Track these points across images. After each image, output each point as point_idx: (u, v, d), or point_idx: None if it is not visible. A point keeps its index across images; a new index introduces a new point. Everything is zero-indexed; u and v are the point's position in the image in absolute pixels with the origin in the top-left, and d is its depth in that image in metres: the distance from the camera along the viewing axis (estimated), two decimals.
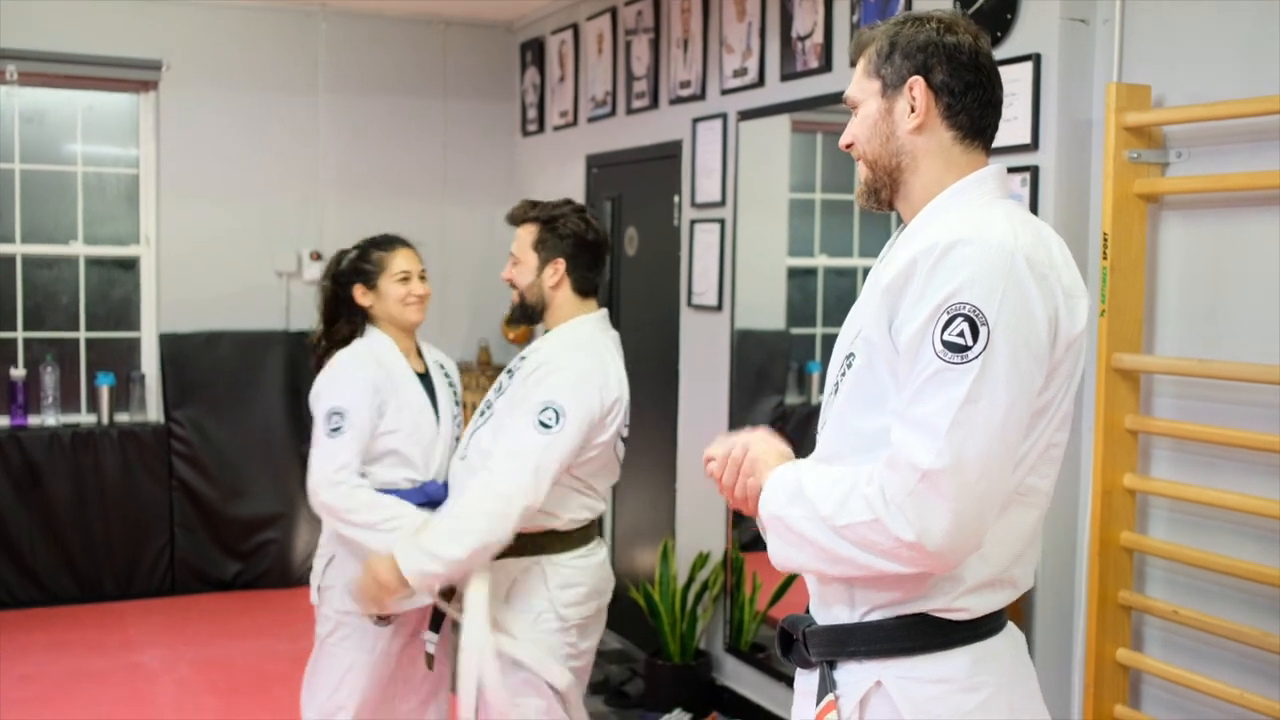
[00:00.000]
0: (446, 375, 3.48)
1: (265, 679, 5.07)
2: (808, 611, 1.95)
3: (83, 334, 6.21)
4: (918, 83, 1.84)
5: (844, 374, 1.85)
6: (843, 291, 4.89)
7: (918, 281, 1.70)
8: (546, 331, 3.11)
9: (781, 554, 1.83)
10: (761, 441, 1.92)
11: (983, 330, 1.64)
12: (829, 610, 1.88)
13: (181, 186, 6.19)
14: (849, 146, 1.94)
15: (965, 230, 1.70)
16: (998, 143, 3.48)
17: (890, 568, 1.70)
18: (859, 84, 1.91)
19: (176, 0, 6.08)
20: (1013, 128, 3.44)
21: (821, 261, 5.06)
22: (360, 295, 3.36)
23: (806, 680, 1.93)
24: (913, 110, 1.84)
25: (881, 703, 1.80)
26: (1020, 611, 3.41)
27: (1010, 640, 1.87)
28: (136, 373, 6.21)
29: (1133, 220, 3.16)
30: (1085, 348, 1.85)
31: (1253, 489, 2.93)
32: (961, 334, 1.64)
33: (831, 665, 1.86)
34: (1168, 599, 3.15)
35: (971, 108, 1.85)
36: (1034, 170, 3.38)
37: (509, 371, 3.08)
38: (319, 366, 3.36)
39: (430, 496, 3.27)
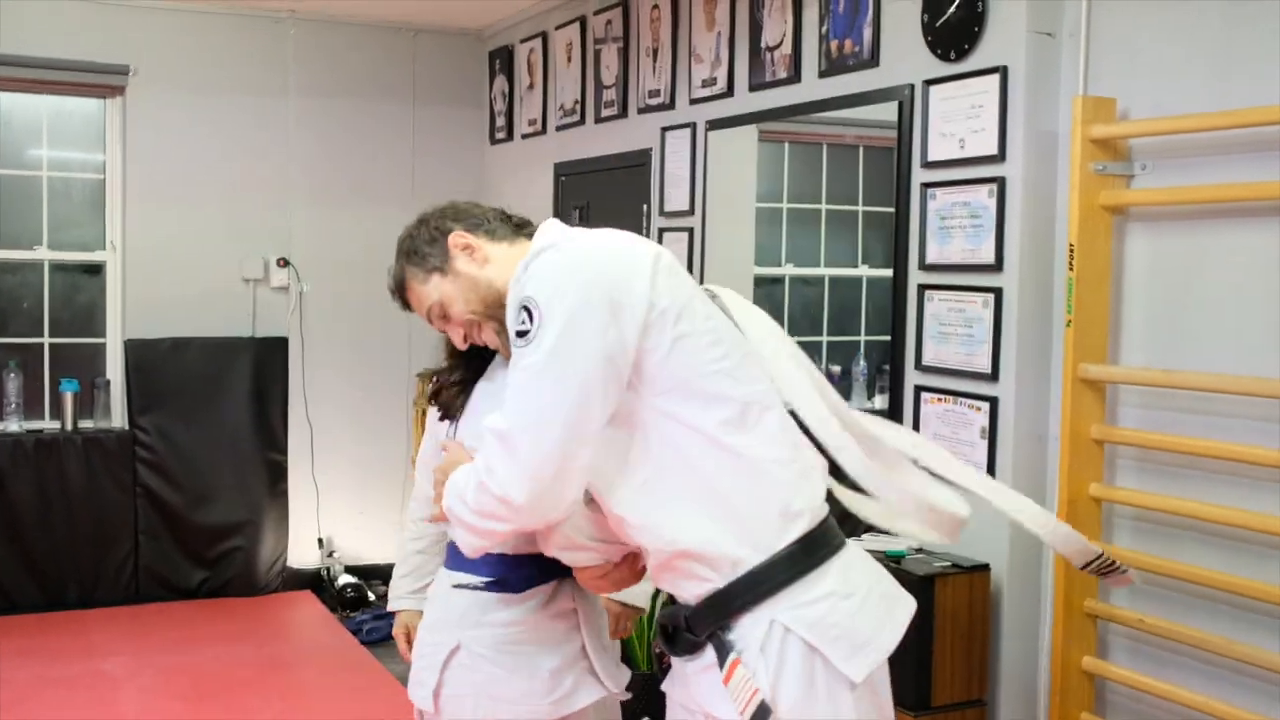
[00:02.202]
0: None
1: (230, 686, 5.03)
2: (673, 602, 2.06)
3: (47, 339, 6.15)
4: (455, 236, 2.27)
5: None
6: (809, 300, 4.91)
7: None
8: None
9: (460, 539, 2.05)
10: (451, 453, 2.17)
11: (536, 311, 1.89)
12: (693, 590, 1.98)
13: (148, 192, 6.14)
14: (470, 333, 2.33)
15: (530, 252, 2.01)
16: (966, 153, 3.55)
17: (503, 529, 1.95)
18: (425, 295, 2.31)
19: (144, 5, 6.04)
20: (980, 139, 3.47)
21: (789, 270, 5.08)
22: None
23: (698, 661, 2.00)
24: (471, 252, 2.27)
25: (779, 636, 1.91)
26: (988, 616, 3.44)
27: (859, 549, 2.06)
28: (101, 379, 6.16)
29: (1098, 232, 3.19)
30: (699, 302, 1.99)
31: (1217, 498, 2.97)
32: (523, 321, 1.90)
33: (722, 631, 1.95)
34: (1133, 607, 3.18)
35: (499, 221, 2.32)
36: (1001, 181, 3.41)
37: None
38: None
39: None
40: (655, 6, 5.05)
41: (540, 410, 1.86)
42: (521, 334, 1.89)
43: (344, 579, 6.31)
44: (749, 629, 1.93)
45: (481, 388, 2.50)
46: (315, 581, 6.47)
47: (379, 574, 6.52)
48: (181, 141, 6.17)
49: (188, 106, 6.17)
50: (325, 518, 6.52)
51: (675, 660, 2.11)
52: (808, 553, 1.94)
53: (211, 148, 6.24)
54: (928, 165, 3.66)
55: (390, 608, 2.89)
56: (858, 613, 1.94)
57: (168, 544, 6.15)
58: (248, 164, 6.31)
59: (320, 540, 6.50)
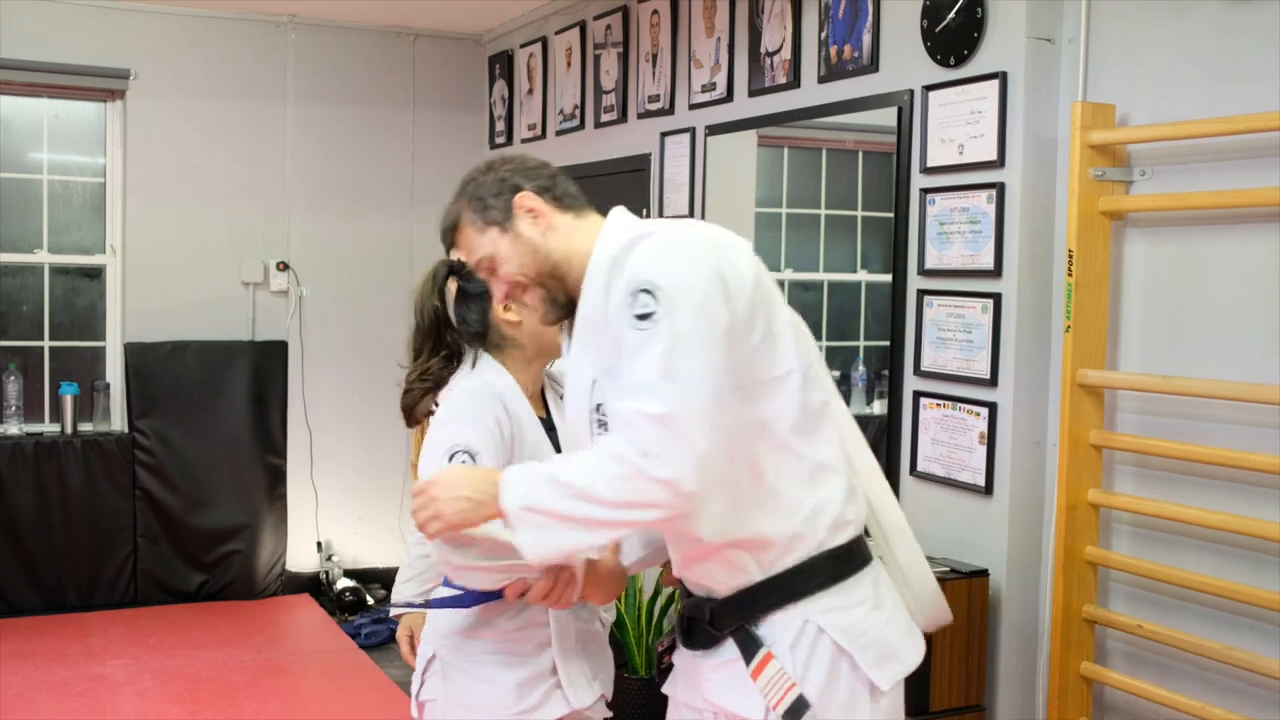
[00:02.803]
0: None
1: (228, 689, 5.03)
2: (691, 596, 2.08)
3: (47, 343, 6.16)
4: (523, 197, 2.10)
5: (602, 420, 2.03)
6: (809, 305, 4.91)
7: (612, 290, 1.92)
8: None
9: (539, 543, 1.92)
10: (451, 470, 2.08)
11: (660, 294, 1.85)
12: (726, 583, 2.00)
13: (148, 196, 6.15)
14: (508, 298, 2.17)
15: (625, 238, 1.95)
16: (965, 159, 3.55)
17: (654, 516, 1.86)
18: (479, 245, 2.14)
19: (144, 9, 6.05)
20: (979, 145, 3.48)
21: (788, 275, 5.08)
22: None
23: (714, 656, 2.03)
24: (536, 217, 2.10)
25: (812, 638, 1.95)
26: (986, 622, 3.44)
27: (881, 566, 2.09)
28: (101, 382, 6.16)
29: (1097, 237, 3.20)
30: (780, 299, 1.99)
31: (1216, 504, 2.97)
32: (645, 304, 1.85)
33: (749, 625, 1.98)
34: (1131, 613, 3.19)
35: (566, 189, 2.15)
36: (1000, 187, 3.41)
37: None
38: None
39: None
40: (655, 12, 5.06)
41: (695, 391, 1.83)
42: (644, 316, 1.84)
43: (342, 583, 6.31)
44: (780, 627, 1.96)
45: (464, 390, 2.42)
46: (314, 585, 6.47)
47: (377, 578, 6.53)
48: (181, 145, 6.18)
49: (188, 110, 6.18)
50: (324, 521, 6.52)
51: (682, 658, 2.13)
52: (847, 560, 1.99)
53: (211, 152, 6.24)
54: (927, 171, 3.67)
55: (393, 612, 2.89)
56: (887, 624, 2.00)
57: (167, 547, 6.15)
58: (247, 168, 6.32)
59: (319, 544, 6.51)
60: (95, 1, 5.95)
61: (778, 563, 1.97)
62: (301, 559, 6.48)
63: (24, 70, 5.87)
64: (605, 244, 2.00)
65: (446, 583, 2.36)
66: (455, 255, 2.25)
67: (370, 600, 6.28)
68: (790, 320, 2.00)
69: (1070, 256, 3.19)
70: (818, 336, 4.81)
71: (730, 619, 2.01)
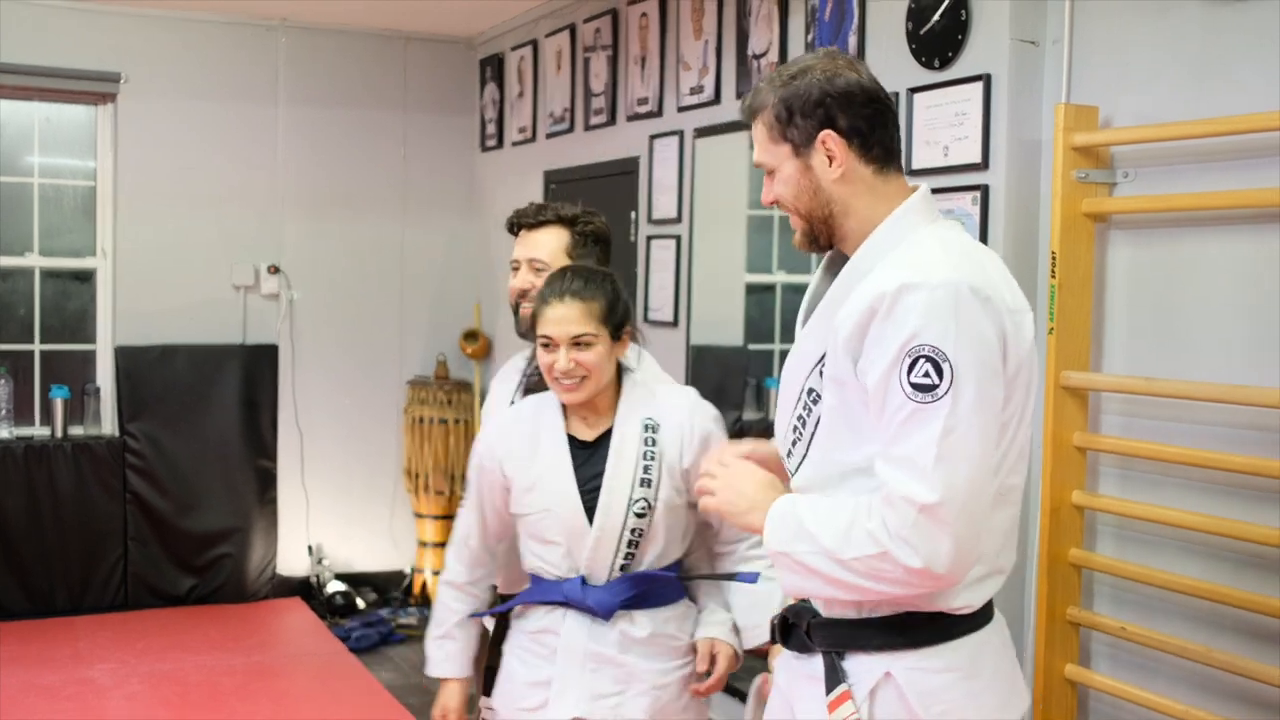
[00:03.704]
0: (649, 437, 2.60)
1: (218, 693, 5.03)
2: (805, 602, 2.07)
3: (37, 346, 6.15)
4: (829, 136, 1.94)
5: (808, 411, 1.99)
6: (799, 307, 4.91)
7: (874, 329, 1.83)
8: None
9: (792, 584, 1.96)
10: (749, 466, 2.06)
11: (945, 367, 1.78)
12: (832, 606, 2.00)
13: (139, 199, 6.15)
14: (774, 203, 2.04)
15: (910, 274, 1.83)
16: (949, 161, 3.55)
17: (898, 592, 1.85)
18: (767, 150, 2.01)
19: (135, 13, 6.05)
20: (963, 147, 3.47)
21: (780, 278, 5.08)
22: None
23: (805, 664, 2.06)
24: (831, 162, 1.95)
25: (890, 692, 1.93)
26: None
27: (999, 628, 2.04)
28: (91, 385, 6.15)
29: (1081, 239, 3.19)
30: (1036, 357, 1.97)
31: (1199, 506, 2.96)
32: (927, 374, 1.78)
33: (839, 655, 1.98)
34: (1115, 615, 3.18)
35: (882, 139, 1.97)
36: (984, 189, 3.41)
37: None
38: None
39: (567, 597, 2.58)
40: (644, 15, 5.06)
41: (967, 480, 1.79)
42: (924, 389, 1.79)
43: (333, 586, 6.31)
44: (864, 669, 1.95)
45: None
46: (304, 588, 6.46)
47: (368, 581, 6.53)
48: (172, 149, 6.18)
49: (179, 114, 6.18)
50: (314, 525, 6.51)
51: (784, 652, 2.16)
52: (955, 624, 1.94)
53: (202, 155, 6.24)
54: (912, 173, 3.66)
55: (429, 672, 2.82)
56: (975, 697, 1.94)
57: (157, 551, 6.14)
58: (238, 171, 6.31)
59: (310, 547, 6.50)
60: (86, 5, 5.95)
61: (877, 609, 1.94)
62: (292, 562, 6.48)
63: (15, 74, 5.87)
64: (891, 268, 1.86)
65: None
66: (753, 131, 2.05)
67: (361, 604, 6.28)
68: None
69: (1053, 258, 3.18)
70: None
71: (823, 640, 2.01)
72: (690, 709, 2.60)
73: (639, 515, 2.50)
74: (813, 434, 1.98)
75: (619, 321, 2.52)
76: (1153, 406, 3.10)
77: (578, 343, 2.47)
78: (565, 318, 2.46)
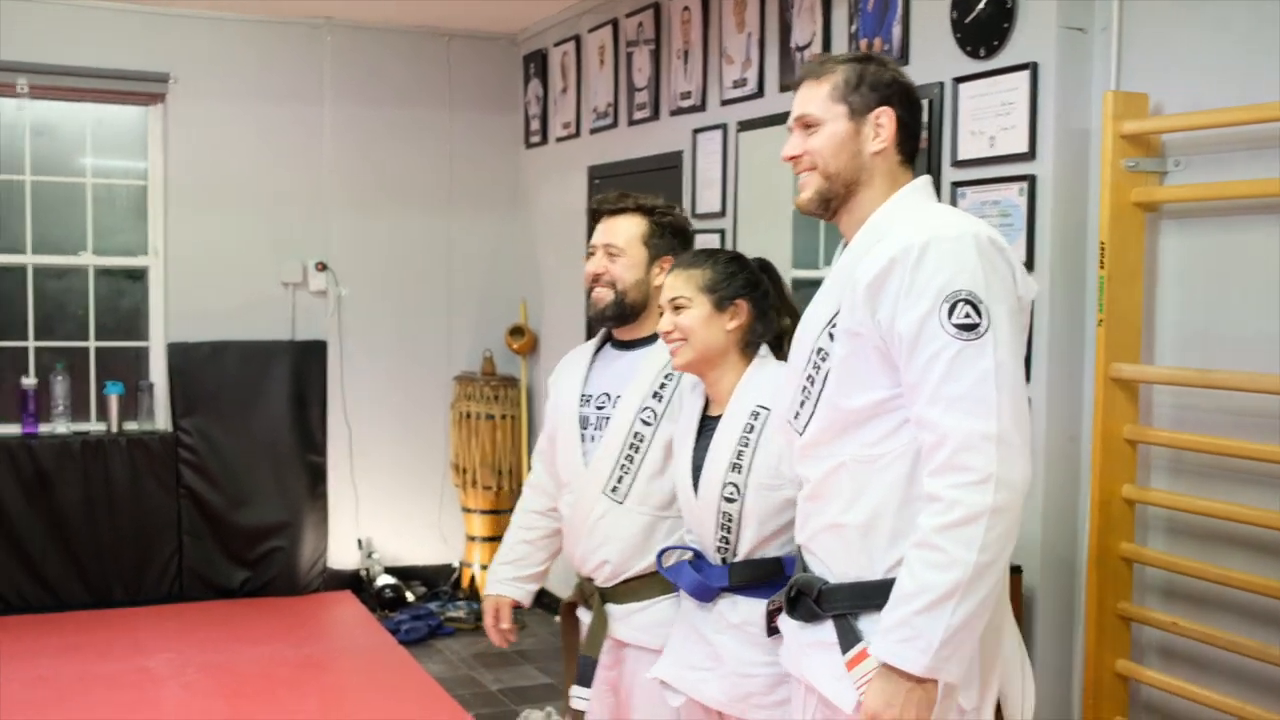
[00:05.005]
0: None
1: (271, 684, 5.08)
2: (807, 570, 2.17)
3: (92, 343, 6.24)
4: (887, 113, 2.14)
5: (816, 369, 2.13)
6: None
7: (899, 278, 1.98)
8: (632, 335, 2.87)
9: (968, 637, 1.94)
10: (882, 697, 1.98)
11: (982, 307, 1.94)
12: (843, 569, 2.09)
13: (189, 198, 6.21)
14: (794, 158, 2.18)
15: (931, 230, 2.00)
16: (996, 151, 3.52)
17: (1007, 543, 1.93)
18: (823, 105, 2.16)
19: (183, 14, 6.11)
20: (1010, 137, 3.44)
21: (826, 273, 5.04)
22: None
23: (813, 632, 2.13)
24: (877, 135, 2.14)
25: None
26: (1020, 620, 3.40)
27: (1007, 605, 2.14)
28: (145, 382, 6.23)
29: (1130, 229, 3.15)
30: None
31: (1252, 500, 2.93)
32: (968, 315, 1.93)
33: (852, 616, 2.06)
34: (1167, 610, 3.15)
35: (915, 140, 2.19)
36: (1031, 179, 3.38)
37: (655, 394, 2.76)
38: None
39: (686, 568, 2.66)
40: (686, 8, 5.05)
41: (1015, 403, 1.94)
42: (970, 328, 1.93)
43: (382, 579, 6.35)
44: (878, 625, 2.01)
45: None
46: (354, 582, 6.52)
47: (417, 575, 6.57)
48: (221, 148, 6.24)
49: (227, 113, 6.24)
50: (364, 519, 6.56)
51: (785, 624, 2.23)
52: None
53: (250, 153, 6.30)
54: (958, 164, 3.63)
55: (486, 591, 3.03)
56: (988, 644, 2.03)
57: (210, 544, 6.22)
58: (286, 169, 6.37)
59: (359, 541, 6.55)
60: (135, 7, 6.01)
61: (892, 570, 2.01)
62: (342, 556, 6.53)
63: (67, 75, 5.94)
64: (909, 228, 2.01)
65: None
66: (805, 89, 2.20)
67: (410, 597, 6.32)
68: None
69: (1102, 249, 3.15)
70: None
71: (835, 604, 2.09)
72: (781, 710, 2.48)
73: (728, 500, 2.51)
74: (820, 390, 2.11)
75: (724, 294, 2.58)
76: (1205, 399, 3.06)
77: (675, 306, 2.60)
78: (670, 285, 2.63)
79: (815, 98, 2.16)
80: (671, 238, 2.84)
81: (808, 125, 2.17)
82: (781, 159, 2.23)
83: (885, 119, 2.13)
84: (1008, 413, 1.91)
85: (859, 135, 2.14)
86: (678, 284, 2.61)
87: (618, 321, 2.82)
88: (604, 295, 2.81)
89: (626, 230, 2.83)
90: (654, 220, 2.83)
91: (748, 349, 2.62)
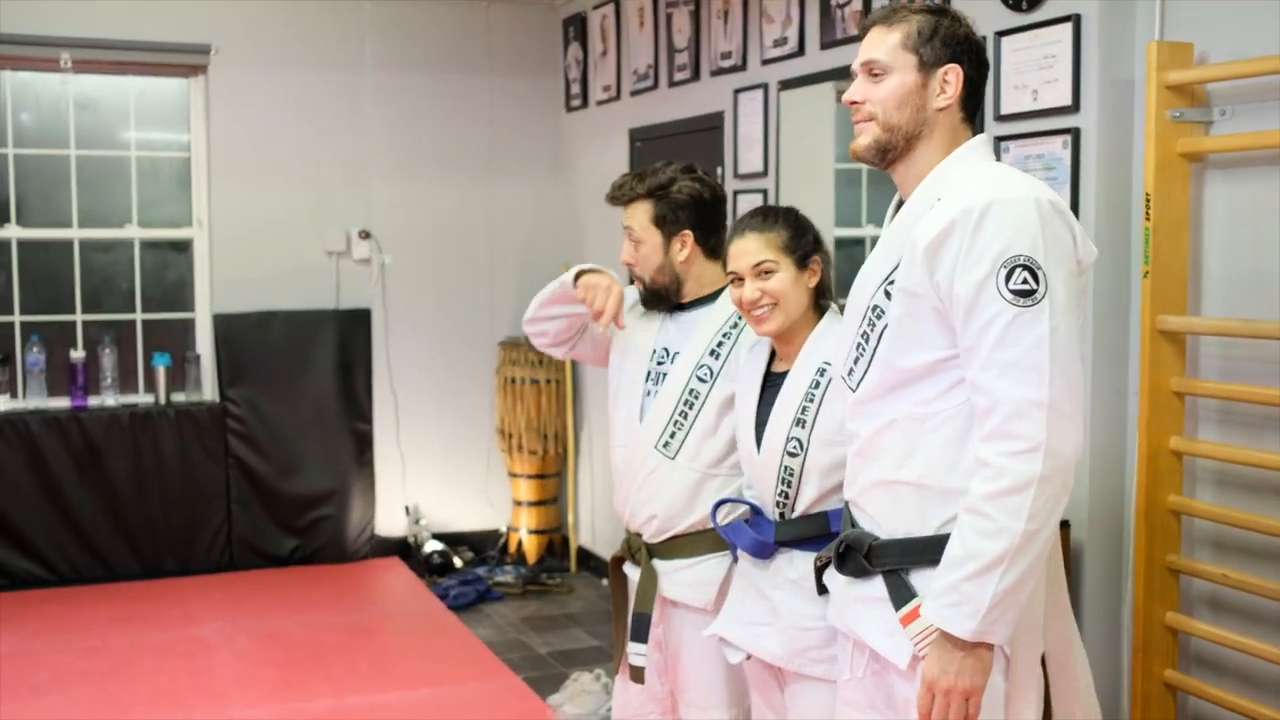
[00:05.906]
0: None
1: (321, 651, 5.15)
2: (855, 526, 2.18)
3: (139, 315, 6.31)
4: (956, 70, 2.11)
5: (871, 326, 2.12)
6: None
7: (958, 240, 1.97)
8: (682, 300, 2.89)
9: (1014, 602, 1.96)
10: (940, 665, 2.00)
11: (1039, 273, 1.93)
12: (894, 525, 2.10)
13: (232, 169, 6.26)
14: (855, 104, 2.15)
15: (992, 192, 1.98)
16: (1038, 105, 3.49)
17: (1056, 510, 1.94)
18: (893, 53, 2.12)
19: None
20: (1053, 90, 3.41)
21: (869, 231, 5.04)
22: None
23: (862, 587, 2.15)
24: (943, 91, 2.11)
25: None
26: (1068, 573, 3.39)
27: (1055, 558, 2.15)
28: (192, 353, 6.30)
29: (1176, 180, 3.12)
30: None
31: None
32: (1025, 280, 1.93)
33: (904, 572, 2.08)
34: (1216, 563, 3.13)
35: (979, 99, 2.18)
36: (1075, 132, 3.35)
37: (713, 352, 2.80)
38: None
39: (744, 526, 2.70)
40: None
41: (1068, 371, 1.94)
42: (1025, 294, 1.93)
43: (430, 545, 6.41)
44: (929, 583, 2.02)
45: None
46: (403, 548, 6.58)
47: (464, 540, 6.63)
48: (263, 118, 6.28)
49: (268, 84, 6.27)
50: (411, 485, 6.62)
51: (833, 580, 2.25)
52: None
53: (292, 123, 6.33)
54: (1001, 119, 3.60)
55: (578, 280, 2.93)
56: (1032, 602, 2.03)
57: (259, 513, 6.29)
58: (328, 139, 6.40)
59: (407, 508, 6.61)
60: None
61: (946, 525, 2.03)
62: (390, 523, 6.59)
63: (110, 49, 5.99)
64: (968, 188, 2.00)
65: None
66: (874, 33, 2.15)
67: (458, 563, 6.37)
68: None
69: (1148, 201, 3.12)
70: None
71: (886, 560, 2.10)
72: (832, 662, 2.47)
73: (791, 455, 2.51)
74: (875, 347, 2.10)
75: (805, 251, 2.57)
76: (1252, 349, 3.03)
77: (760, 271, 2.53)
78: (744, 250, 2.55)
79: (885, 44, 2.12)
80: (685, 210, 2.83)
81: (874, 72, 2.13)
82: (843, 102, 2.20)
83: (953, 76, 2.11)
84: (1060, 381, 1.92)
85: (925, 89, 2.11)
86: (755, 249, 2.54)
87: (661, 303, 2.89)
88: (638, 284, 2.91)
89: (638, 217, 2.87)
90: (660, 199, 2.83)
91: (818, 304, 2.61)
